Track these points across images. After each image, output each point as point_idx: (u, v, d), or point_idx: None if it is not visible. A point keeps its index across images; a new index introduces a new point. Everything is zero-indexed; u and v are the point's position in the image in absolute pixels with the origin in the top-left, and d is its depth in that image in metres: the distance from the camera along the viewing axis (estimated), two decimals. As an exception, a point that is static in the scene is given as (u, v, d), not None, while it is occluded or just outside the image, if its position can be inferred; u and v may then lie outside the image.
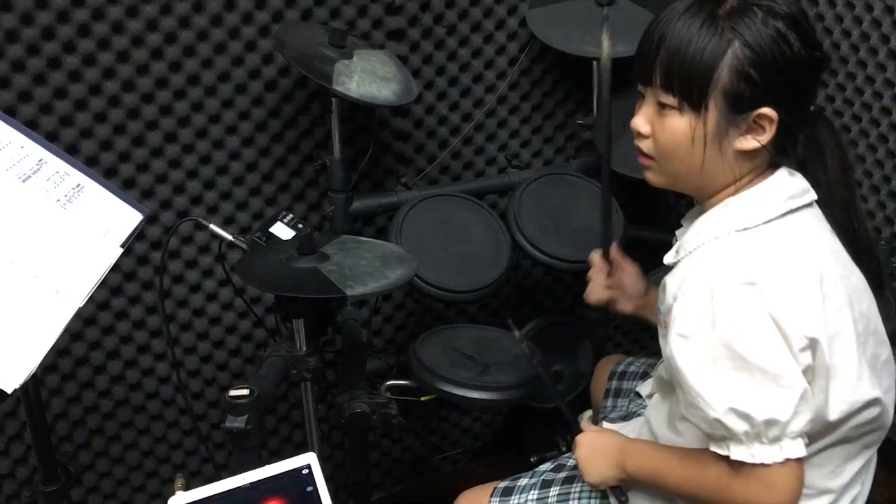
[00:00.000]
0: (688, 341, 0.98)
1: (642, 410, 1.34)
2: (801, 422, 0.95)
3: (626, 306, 1.40)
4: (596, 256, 1.43)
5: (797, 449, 0.96)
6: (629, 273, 1.40)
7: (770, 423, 0.94)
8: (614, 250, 1.42)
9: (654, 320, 1.32)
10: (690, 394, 0.99)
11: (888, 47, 1.76)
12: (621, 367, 1.49)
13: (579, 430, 1.23)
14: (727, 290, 0.96)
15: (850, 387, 1.01)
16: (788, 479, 0.97)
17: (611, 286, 1.40)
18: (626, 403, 1.42)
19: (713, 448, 1.01)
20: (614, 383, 1.47)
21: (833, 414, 1.01)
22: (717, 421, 0.97)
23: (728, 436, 0.98)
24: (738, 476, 0.99)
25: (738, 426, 0.96)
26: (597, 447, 1.19)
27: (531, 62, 1.94)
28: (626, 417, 1.37)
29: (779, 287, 0.96)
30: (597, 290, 1.41)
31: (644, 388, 1.40)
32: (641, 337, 2.28)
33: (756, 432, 0.95)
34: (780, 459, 0.96)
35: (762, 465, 0.96)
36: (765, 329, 0.95)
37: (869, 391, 1.03)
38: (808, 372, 0.98)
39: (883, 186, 1.85)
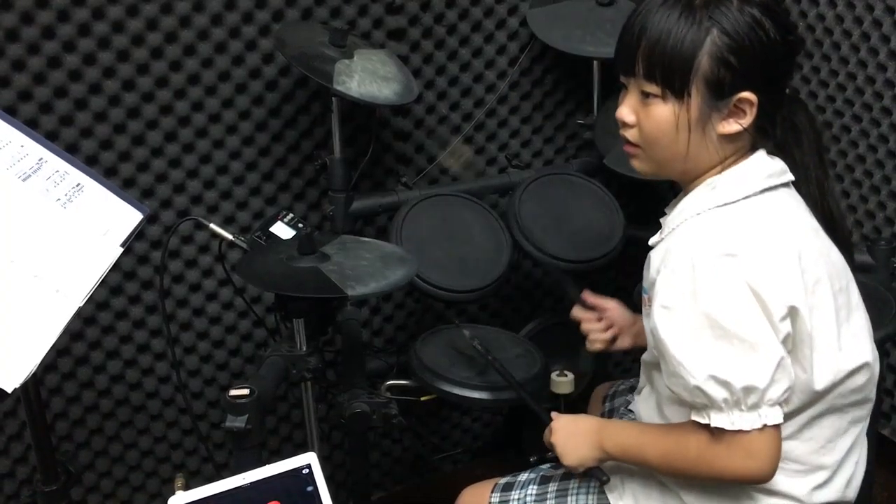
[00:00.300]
0: (670, 312, 1.01)
1: (632, 416, 1.35)
2: (778, 389, 0.98)
3: (624, 341, 1.41)
4: (578, 311, 1.45)
5: (775, 416, 0.99)
6: (613, 308, 1.42)
7: (748, 389, 0.97)
8: (589, 297, 1.44)
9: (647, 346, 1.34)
10: (672, 363, 1.02)
11: (889, 47, 1.76)
12: (612, 390, 1.51)
13: (548, 418, 1.25)
14: (708, 262, 0.99)
15: (832, 355, 1.04)
16: (767, 445, 1.00)
17: (607, 328, 1.41)
18: (618, 419, 1.42)
19: (694, 417, 1.04)
20: (607, 405, 1.49)
21: (819, 383, 1.04)
22: (698, 388, 1.00)
23: (708, 404, 1.00)
24: (719, 444, 1.02)
25: (718, 393, 0.99)
26: (573, 430, 1.20)
27: (532, 62, 1.94)
28: None
29: (758, 258, 0.99)
30: (597, 336, 1.41)
31: (634, 403, 1.41)
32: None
33: (735, 399, 0.98)
34: (758, 426, 0.99)
35: (741, 431, 0.99)
36: (744, 299, 0.98)
37: (856, 357, 1.06)
38: (789, 341, 1.01)
39: (883, 186, 1.85)
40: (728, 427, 1.00)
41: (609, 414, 1.47)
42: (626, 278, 2.12)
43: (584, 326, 1.43)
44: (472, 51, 1.87)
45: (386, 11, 1.75)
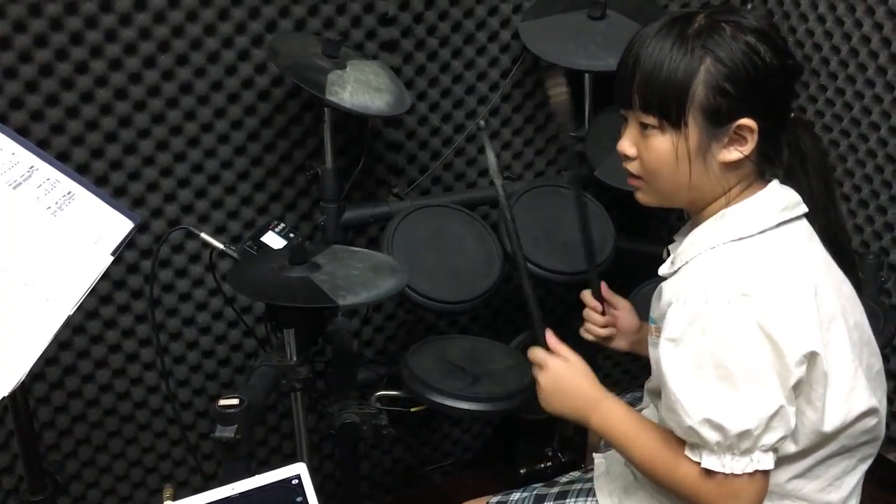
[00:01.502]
0: (676, 345, 1.00)
1: None
2: (773, 437, 0.98)
3: (620, 343, 1.40)
4: (588, 296, 1.42)
5: (766, 461, 0.99)
6: (622, 310, 1.40)
7: (743, 435, 0.97)
8: (605, 289, 1.41)
9: (644, 354, 1.33)
10: (671, 398, 1.01)
11: (857, 60, 1.77)
12: None
13: (543, 341, 1.21)
14: (721, 299, 0.98)
15: (845, 396, 1.02)
16: (754, 489, 1.00)
17: (606, 324, 1.40)
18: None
19: (687, 453, 1.03)
20: None
21: (828, 425, 1.02)
22: (692, 429, 0.99)
23: (701, 444, 1.00)
24: (708, 481, 1.01)
25: (712, 437, 0.98)
26: (564, 382, 1.17)
27: (524, 74, 1.95)
28: None
29: (774, 299, 0.97)
30: (593, 328, 1.40)
31: None
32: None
33: (728, 444, 0.98)
34: (749, 471, 0.98)
35: (732, 475, 0.98)
36: (753, 341, 0.96)
37: (865, 401, 1.04)
38: (801, 384, 1.00)
39: (871, 201, 1.87)
40: (718, 469, 0.99)
41: None
42: (616, 291, 2.13)
43: (586, 313, 1.41)
44: (464, 63, 1.88)
45: (379, 23, 1.75)
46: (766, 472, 1.00)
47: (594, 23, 1.83)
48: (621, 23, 1.81)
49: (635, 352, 1.39)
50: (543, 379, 1.19)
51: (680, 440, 1.04)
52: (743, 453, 0.98)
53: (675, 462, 1.05)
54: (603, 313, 1.40)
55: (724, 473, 0.99)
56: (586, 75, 1.90)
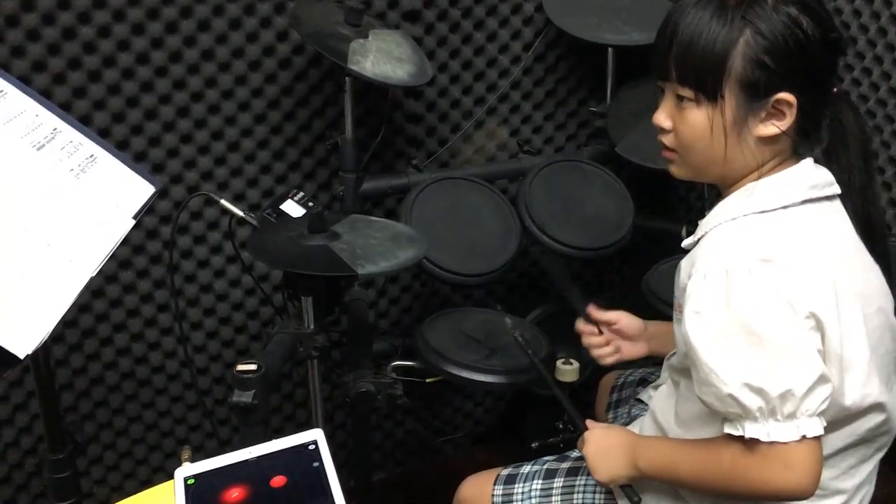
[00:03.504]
0: (702, 317, 0.98)
1: (644, 413, 1.33)
2: (816, 400, 0.94)
3: (638, 349, 1.36)
4: (580, 324, 1.40)
5: (814, 427, 0.94)
6: (621, 320, 1.37)
7: (784, 397, 0.93)
8: (592, 311, 1.39)
9: (664, 351, 1.32)
10: (704, 370, 0.98)
11: (886, 39, 1.73)
12: (620, 380, 1.49)
13: (583, 425, 1.21)
14: (742, 267, 0.96)
15: (863, 380, 1.01)
16: (806, 457, 0.95)
17: (609, 341, 1.37)
18: (627, 410, 1.41)
19: (727, 429, 0.99)
20: (615, 396, 1.47)
21: (848, 400, 1.00)
22: (731, 397, 0.95)
23: (742, 413, 0.96)
24: (754, 455, 0.97)
25: (753, 402, 0.94)
26: (606, 444, 1.16)
27: (546, 48, 1.93)
28: (628, 424, 1.35)
29: (790, 266, 0.96)
30: (600, 351, 1.37)
31: (644, 393, 1.39)
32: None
33: (771, 408, 0.94)
34: (796, 437, 0.94)
35: (778, 443, 0.94)
36: (779, 305, 0.94)
37: (875, 394, 1.02)
38: (821, 356, 0.97)
39: (895, 184, 1.85)
40: (763, 438, 0.95)
41: (616, 405, 1.46)
42: (633, 268, 2.12)
43: (585, 341, 1.39)
44: (486, 35, 1.86)
45: (401, -8, 1.74)
46: (816, 441, 0.95)
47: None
48: (646, -3, 1.79)
49: (656, 352, 1.36)
50: (589, 450, 1.16)
51: (718, 437, 1.02)
52: (787, 418, 0.94)
53: (717, 453, 1.01)
54: (600, 332, 1.38)
55: (769, 443, 0.95)
56: (609, 49, 1.88)
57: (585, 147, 2.02)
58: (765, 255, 0.96)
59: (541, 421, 2.01)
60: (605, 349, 1.36)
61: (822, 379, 0.94)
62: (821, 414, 0.95)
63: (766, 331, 0.94)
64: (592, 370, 1.81)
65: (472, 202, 1.75)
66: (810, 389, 0.93)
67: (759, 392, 0.94)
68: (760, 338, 0.94)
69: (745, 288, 0.95)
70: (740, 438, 0.98)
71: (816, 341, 0.96)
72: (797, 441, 0.94)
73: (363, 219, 1.52)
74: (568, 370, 1.52)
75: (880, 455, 1.11)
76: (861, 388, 1.01)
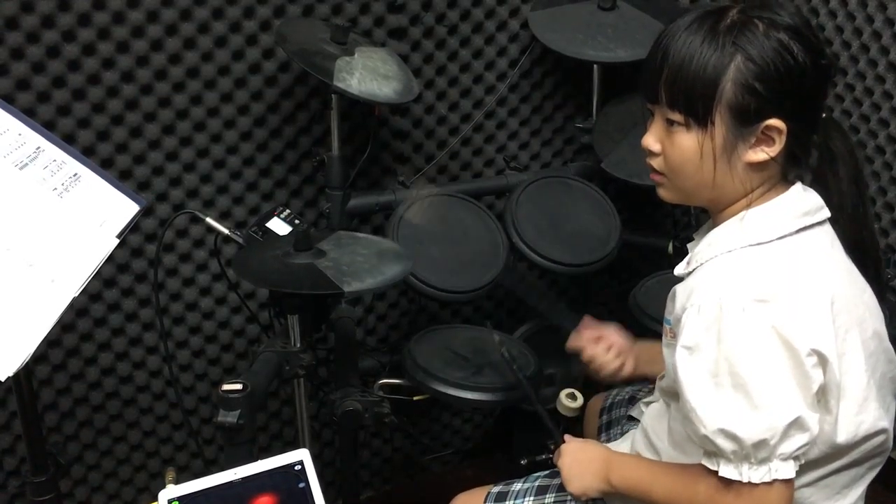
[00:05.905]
0: (692, 353, 0.98)
1: (635, 428, 1.33)
2: (791, 445, 0.95)
3: (629, 367, 1.36)
4: (575, 340, 1.40)
5: (786, 470, 0.96)
6: (613, 330, 1.37)
7: (758, 445, 0.95)
8: (588, 322, 1.39)
9: (650, 371, 1.32)
10: (686, 407, 0.99)
11: (888, 59, 1.76)
12: (608, 401, 1.49)
13: (560, 439, 1.23)
14: (736, 306, 0.96)
15: (857, 407, 1.01)
16: (775, 499, 0.97)
17: (610, 348, 1.36)
18: (620, 429, 1.41)
19: (705, 462, 1.01)
20: (604, 418, 1.47)
21: (841, 436, 1.01)
22: (707, 438, 0.97)
23: (718, 453, 0.98)
24: (728, 492, 0.99)
25: (727, 446, 0.96)
26: (581, 457, 1.18)
27: (532, 64, 1.94)
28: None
29: (789, 304, 0.95)
30: (607, 364, 1.36)
31: (636, 409, 1.39)
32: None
33: (745, 453, 0.96)
34: (768, 480, 0.96)
35: (751, 483, 0.96)
36: (769, 348, 0.94)
37: (876, 418, 1.03)
38: (821, 391, 0.98)
39: (878, 198, 1.86)
40: (736, 478, 0.97)
41: (608, 426, 1.45)
42: (621, 284, 2.13)
43: (588, 354, 1.37)
44: (472, 52, 1.87)
45: (387, 10, 1.74)
46: (787, 482, 0.97)
47: (604, 13, 1.82)
48: (631, 14, 1.80)
49: (642, 373, 1.35)
50: (563, 462, 1.19)
51: (695, 465, 1.03)
52: (760, 462, 0.96)
53: (693, 485, 1.03)
54: (601, 340, 1.37)
55: (741, 482, 0.97)
56: (595, 66, 1.89)
57: (572, 163, 2.03)
58: (761, 294, 0.96)
59: (529, 437, 2.01)
60: (615, 363, 1.35)
61: (799, 425, 0.95)
62: (796, 458, 0.97)
63: (749, 374, 0.94)
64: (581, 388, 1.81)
65: (460, 218, 1.75)
66: (784, 436, 0.94)
67: (734, 439, 0.95)
68: (743, 380, 0.94)
69: (736, 326, 0.95)
70: (716, 472, 0.99)
71: (818, 376, 0.96)
72: (767, 483, 0.96)
73: (349, 235, 1.51)
74: (572, 407, 1.46)
75: (873, 474, 1.11)
76: (854, 416, 1.01)
